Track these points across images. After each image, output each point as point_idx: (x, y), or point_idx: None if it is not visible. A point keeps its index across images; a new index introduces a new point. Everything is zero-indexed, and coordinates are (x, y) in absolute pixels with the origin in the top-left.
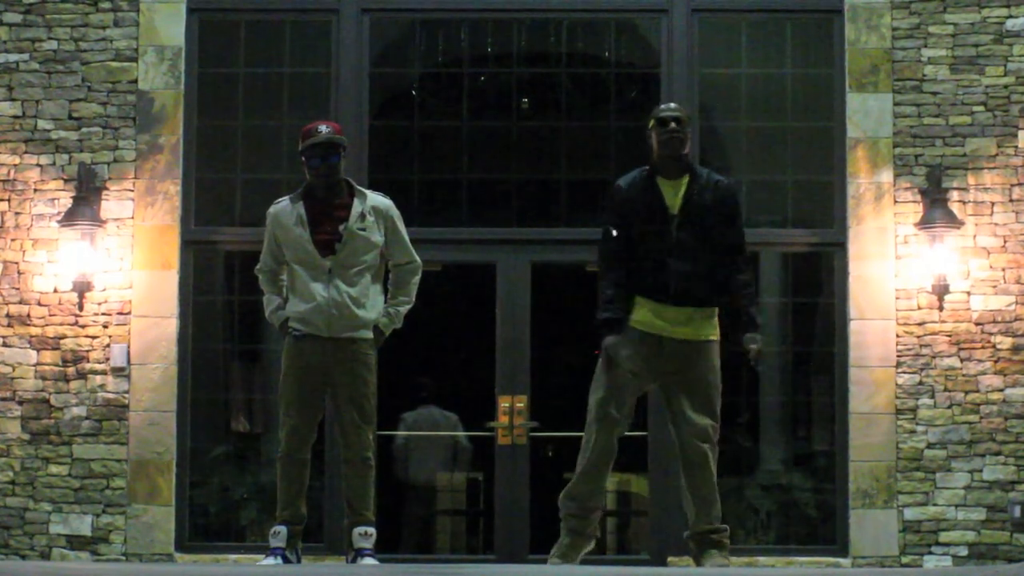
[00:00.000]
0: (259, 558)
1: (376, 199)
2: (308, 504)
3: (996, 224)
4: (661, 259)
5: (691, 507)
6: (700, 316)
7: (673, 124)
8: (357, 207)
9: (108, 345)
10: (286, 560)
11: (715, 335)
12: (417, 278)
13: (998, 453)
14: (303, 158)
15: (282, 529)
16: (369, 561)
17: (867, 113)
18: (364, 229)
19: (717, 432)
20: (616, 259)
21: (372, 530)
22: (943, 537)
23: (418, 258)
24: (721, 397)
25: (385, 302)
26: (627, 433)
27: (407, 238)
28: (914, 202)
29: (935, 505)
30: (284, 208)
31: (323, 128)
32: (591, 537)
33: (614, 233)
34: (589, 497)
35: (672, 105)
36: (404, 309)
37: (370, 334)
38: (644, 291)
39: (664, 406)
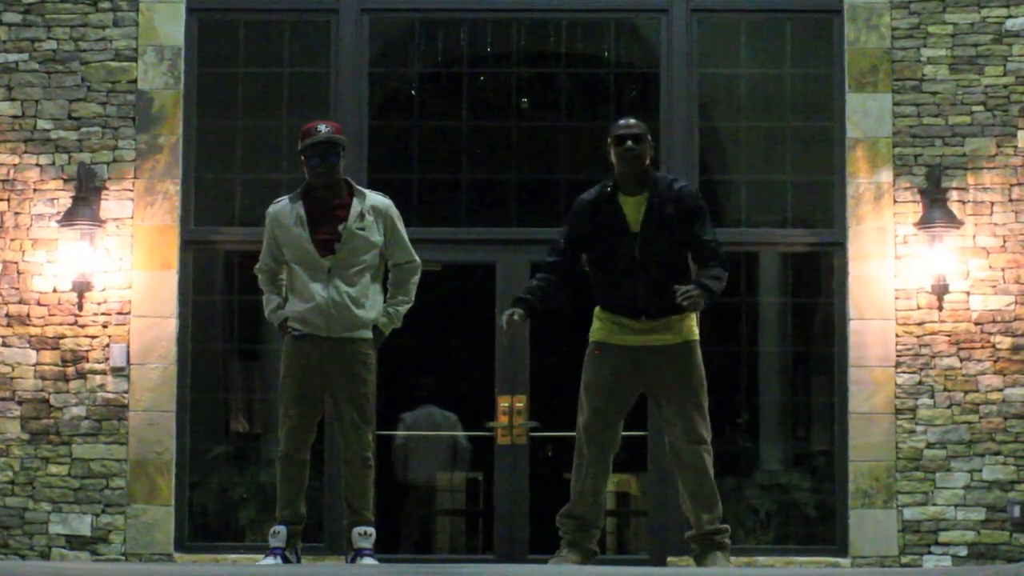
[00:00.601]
0: (258, 558)
1: (375, 199)
2: (308, 504)
3: (995, 224)
4: (625, 278)
5: (692, 511)
6: (675, 320)
7: (630, 142)
8: (356, 207)
9: (108, 345)
10: (285, 560)
11: (694, 335)
12: (417, 278)
13: (997, 453)
14: (302, 158)
15: (282, 529)
16: (369, 561)
17: (867, 113)
18: (363, 229)
19: (709, 432)
20: (551, 265)
21: (372, 530)
22: (943, 537)
23: (418, 258)
24: (709, 395)
25: (384, 302)
26: (626, 433)
27: (406, 238)
28: (913, 202)
29: (934, 505)
30: (283, 208)
31: (322, 127)
32: (592, 553)
33: (562, 244)
34: (588, 516)
35: (631, 121)
36: (403, 309)
37: (369, 334)
38: (613, 309)
39: (656, 412)
